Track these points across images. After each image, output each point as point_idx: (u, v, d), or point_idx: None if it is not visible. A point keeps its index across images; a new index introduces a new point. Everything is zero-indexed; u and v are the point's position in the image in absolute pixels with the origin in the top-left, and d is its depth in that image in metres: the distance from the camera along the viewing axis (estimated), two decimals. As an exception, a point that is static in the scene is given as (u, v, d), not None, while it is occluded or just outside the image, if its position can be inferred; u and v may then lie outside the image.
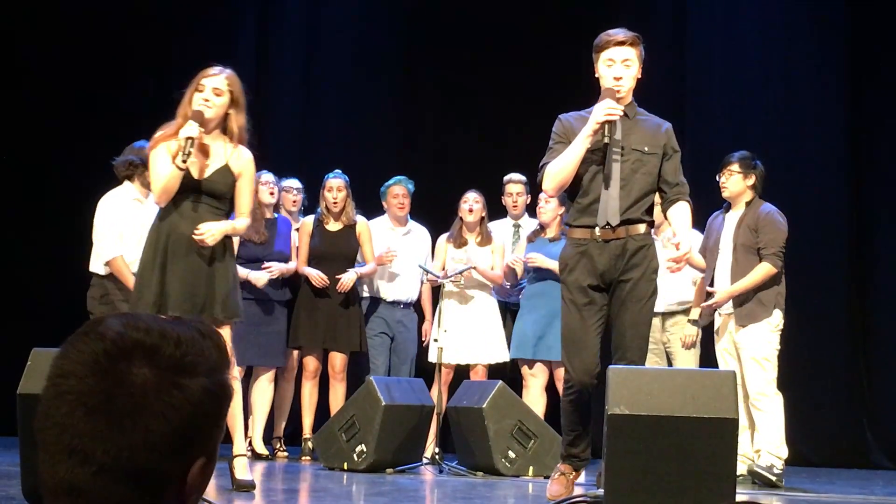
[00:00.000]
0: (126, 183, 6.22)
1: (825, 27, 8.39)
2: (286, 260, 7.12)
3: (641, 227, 4.64)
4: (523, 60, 8.55)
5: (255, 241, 6.97)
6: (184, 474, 1.11)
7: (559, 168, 4.62)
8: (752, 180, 6.16)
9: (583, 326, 4.63)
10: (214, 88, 4.80)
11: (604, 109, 4.53)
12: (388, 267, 7.38)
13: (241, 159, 4.90)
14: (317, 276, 7.01)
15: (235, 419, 4.90)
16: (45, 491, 1.11)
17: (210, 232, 4.77)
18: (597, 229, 4.60)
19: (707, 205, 6.62)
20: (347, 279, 7.03)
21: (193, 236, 4.76)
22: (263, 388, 7.09)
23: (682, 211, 4.72)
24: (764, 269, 6.01)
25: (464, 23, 8.80)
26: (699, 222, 6.93)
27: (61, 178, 8.50)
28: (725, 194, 6.24)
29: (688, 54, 8.54)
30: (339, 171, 7.27)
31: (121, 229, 6.10)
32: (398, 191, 7.44)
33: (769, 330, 6.04)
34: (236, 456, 4.88)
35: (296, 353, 7.27)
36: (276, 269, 7.02)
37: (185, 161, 4.67)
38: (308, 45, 9.09)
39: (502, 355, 7.15)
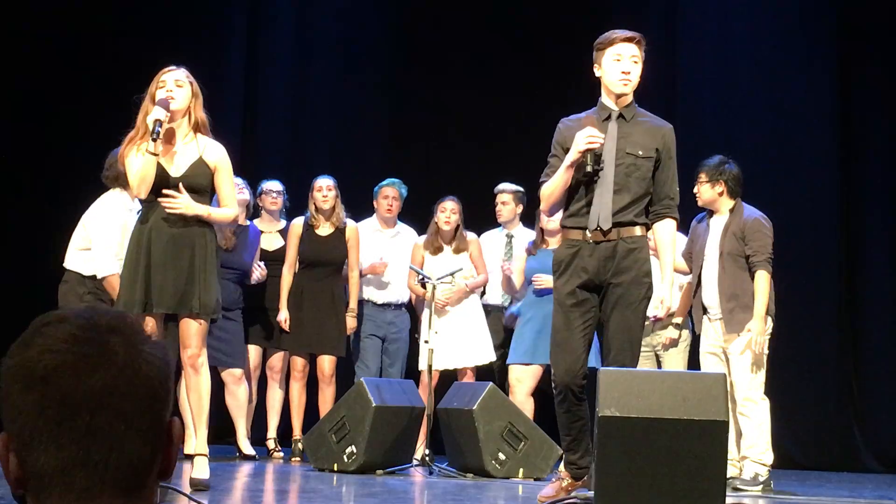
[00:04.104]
0: (115, 189, 6.22)
1: (816, 29, 8.42)
2: (247, 270, 7.06)
3: (636, 230, 4.60)
4: (514, 65, 8.56)
5: (223, 246, 6.88)
6: (169, 430, 1.21)
7: (549, 192, 4.67)
8: (720, 187, 6.14)
9: (568, 329, 4.60)
10: (176, 80, 4.86)
11: (585, 138, 4.50)
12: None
13: (214, 151, 4.94)
14: (282, 321, 7.05)
15: (203, 415, 4.89)
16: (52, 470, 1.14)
17: (184, 201, 4.77)
18: (588, 231, 4.59)
19: (696, 210, 6.64)
20: (349, 330, 7.12)
21: (162, 202, 4.76)
22: (233, 391, 7.05)
23: (667, 233, 4.68)
24: (764, 279, 5.98)
25: (453, 26, 8.81)
26: (688, 224, 6.97)
27: (41, 176, 8.46)
28: (700, 203, 6.29)
29: (679, 56, 8.56)
30: (328, 174, 7.27)
31: (118, 242, 6.10)
32: (389, 192, 7.42)
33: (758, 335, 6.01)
34: (197, 454, 4.87)
35: (282, 354, 7.26)
36: (257, 274, 7.03)
37: (154, 140, 4.68)
38: (297, 50, 9.09)
39: (488, 356, 7.14)
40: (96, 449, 1.15)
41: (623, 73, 4.60)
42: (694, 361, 6.75)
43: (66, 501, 1.15)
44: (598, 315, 4.63)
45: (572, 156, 4.52)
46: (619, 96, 4.64)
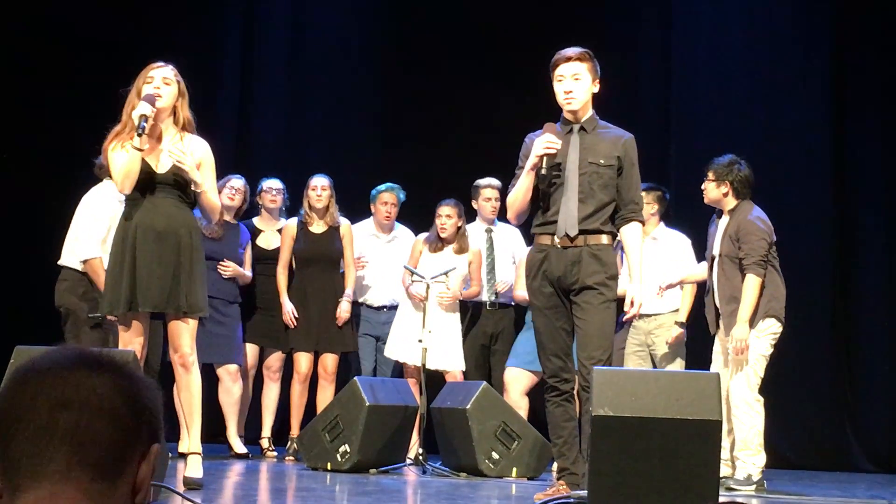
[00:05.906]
0: (107, 181, 6.19)
1: (810, 37, 8.43)
2: (238, 263, 7.05)
3: (603, 238, 4.73)
4: (507, 67, 8.54)
5: (206, 234, 6.85)
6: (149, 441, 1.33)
7: (512, 200, 4.86)
8: (725, 188, 6.09)
9: (551, 330, 4.73)
10: (164, 78, 4.85)
11: (542, 143, 4.67)
12: (372, 272, 7.38)
13: (198, 147, 4.93)
14: (289, 315, 7.05)
15: (195, 414, 4.88)
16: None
17: (190, 161, 4.76)
18: (556, 237, 4.71)
19: (693, 212, 6.64)
20: (344, 312, 7.08)
21: (170, 151, 4.74)
22: (227, 387, 7.04)
23: (633, 235, 4.79)
24: (752, 283, 5.89)
25: (448, 29, 8.81)
26: (688, 227, 6.98)
27: (39, 171, 8.43)
28: (706, 201, 6.26)
29: (673, 64, 8.55)
30: (323, 174, 7.27)
31: (106, 228, 6.06)
32: (387, 198, 7.42)
33: (755, 337, 5.93)
34: (190, 453, 4.86)
35: (279, 353, 7.27)
36: (231, 268, 6.98)
37: (140, 135, 4.66)
38: (293, 49, 9.08)
39: (458, 364, 7.12)
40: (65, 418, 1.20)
41: (565, 92, 4.77)
42: (692, 361, 6.76)
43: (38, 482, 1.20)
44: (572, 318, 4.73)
45: (531, 160, 4.71)
46: (573, 112, 4.78)
